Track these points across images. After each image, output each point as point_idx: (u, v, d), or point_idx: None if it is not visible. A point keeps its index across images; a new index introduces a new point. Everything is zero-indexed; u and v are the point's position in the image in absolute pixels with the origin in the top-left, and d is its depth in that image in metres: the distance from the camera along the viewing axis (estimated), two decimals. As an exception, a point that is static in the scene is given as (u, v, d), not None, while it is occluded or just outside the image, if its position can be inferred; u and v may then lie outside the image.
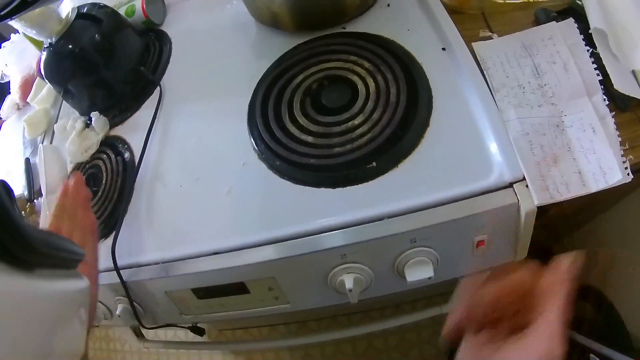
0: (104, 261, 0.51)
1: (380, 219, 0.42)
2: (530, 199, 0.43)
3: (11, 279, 0.26)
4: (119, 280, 0.48)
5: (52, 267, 0.30)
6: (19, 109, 1.02)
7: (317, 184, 0.44)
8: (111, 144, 0.61)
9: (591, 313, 0.82)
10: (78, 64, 0.60)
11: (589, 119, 0.49)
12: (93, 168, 0.60)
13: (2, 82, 0.97)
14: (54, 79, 0.63)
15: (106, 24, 0.62)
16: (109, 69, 0.62)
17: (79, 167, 0.61)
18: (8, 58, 0.95)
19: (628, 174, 0.44)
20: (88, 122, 0.65)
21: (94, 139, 0.62)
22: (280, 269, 0.43)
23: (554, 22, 0.53)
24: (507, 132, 0.46)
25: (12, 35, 0.99)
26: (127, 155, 0.57)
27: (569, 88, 0.50)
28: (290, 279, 0.44)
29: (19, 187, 0.72)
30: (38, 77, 0.91)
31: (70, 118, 0.68)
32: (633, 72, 0.50)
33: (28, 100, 0.91)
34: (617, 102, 0.48)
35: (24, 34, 0.79)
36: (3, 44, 0.99)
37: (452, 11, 0.55)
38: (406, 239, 0.42)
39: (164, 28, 0.75)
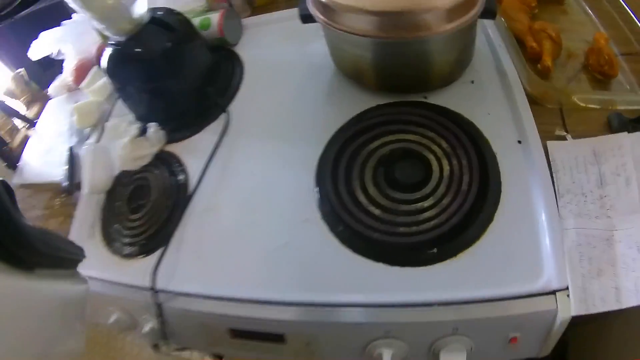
0: (143, 279, 0.55)
1: (429, 304, 0.48)
2: (568, 309, 0.49)
3: (11, 279, 0.27)
4: (154, 301, 0.53)
5: (52, 267, 0.32)
6: (69, 90, 1.08)
7: (376, 259, 0.50)
8: (165, 160, 0.66)
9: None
10: (144, 69, 0.65)
11: (638, 237, 0.54)
12: (141, 180, 0.65)
13: (56, 59, 1.02)
14: (115, 77, 0.68)
15: (179, 34, 0.65)
16: (175, 80, 0.67)
17: (126, 174, 0.64)
18: (67, 37, 1.01)
19: (659, 295, 0.50)
20: (142, 129, 0.68)
21: (148, 150, 0.67)
22: (325, 331, 0.49)
23: (626, 132, 0.58)
24: (563, 241, 0.51)
25: (74, 15, 1.03)
26: (181, 177, 0.62)
27: (626, 202, 0.56)
28: (331, 340, 0.51)
29: (57, 172, 0.75)
30: (96, 67, 0.95)
31: (124, 120, 0.71)
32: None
33: (82, 86, 0.95)
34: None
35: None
36: (63, 22, 1.05)
37: (532, 101, 0.59)
38: (449, 327, 0.49)
39: (236, 49, 0.79)
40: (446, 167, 0.54)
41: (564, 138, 0.60)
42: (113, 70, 0.66)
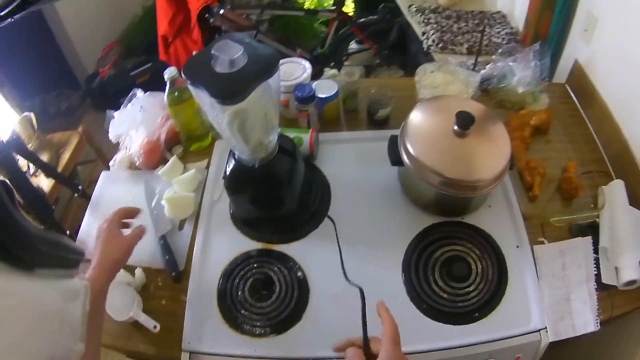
0: (285, 351, 1.03)
1: (475, 344, 0.98)
2: (547, 339, 0.98)
3: (11, 279, 0.29)
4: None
5: (52, 267, 0.34)
6: (130, 168, 1.21)
7: (445, 322, 1.05)
8: (279, 259, 1.13)
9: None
10: (267, 184, 1.05)
11: (584, 296, 1.06)
12: (260, 274, 1.11)
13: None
14: (235, 186, 1.06)
15: (295, 156, 1.08)
16: (287, 191, 1.08)
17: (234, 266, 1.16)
18: (141, 120, 1.17)
19: (597, 326, 1.01)
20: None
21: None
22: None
23: (580, 237, 1.07)
24: (543, 302, 1.00)
25: (139, 92, 1.24)
26: (300, 273, 1.13)
27: (578, 278, 1.08)
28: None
29: (145, 256, 1.13)
30: (175, 157, 1.19)
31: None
32: (615, 267, 1.03)
33: (160, 173, 1.15)
34: (602, 287, 1.03)
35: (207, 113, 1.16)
36: (133, 102, 1.22)
37: (525, 218, 1.07)
38: (485, 355, 1.04)
39: (316, 163, 1.25)
40: (479, 266, 1.05)
41: (543, 243, 1.10)
42: (236, 183, 1.05)
